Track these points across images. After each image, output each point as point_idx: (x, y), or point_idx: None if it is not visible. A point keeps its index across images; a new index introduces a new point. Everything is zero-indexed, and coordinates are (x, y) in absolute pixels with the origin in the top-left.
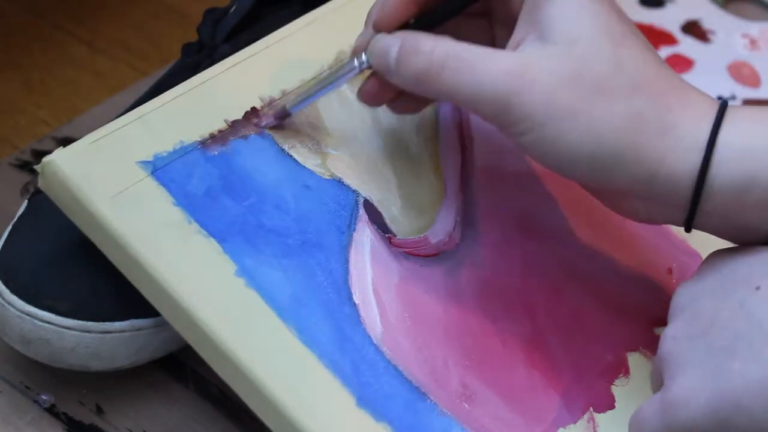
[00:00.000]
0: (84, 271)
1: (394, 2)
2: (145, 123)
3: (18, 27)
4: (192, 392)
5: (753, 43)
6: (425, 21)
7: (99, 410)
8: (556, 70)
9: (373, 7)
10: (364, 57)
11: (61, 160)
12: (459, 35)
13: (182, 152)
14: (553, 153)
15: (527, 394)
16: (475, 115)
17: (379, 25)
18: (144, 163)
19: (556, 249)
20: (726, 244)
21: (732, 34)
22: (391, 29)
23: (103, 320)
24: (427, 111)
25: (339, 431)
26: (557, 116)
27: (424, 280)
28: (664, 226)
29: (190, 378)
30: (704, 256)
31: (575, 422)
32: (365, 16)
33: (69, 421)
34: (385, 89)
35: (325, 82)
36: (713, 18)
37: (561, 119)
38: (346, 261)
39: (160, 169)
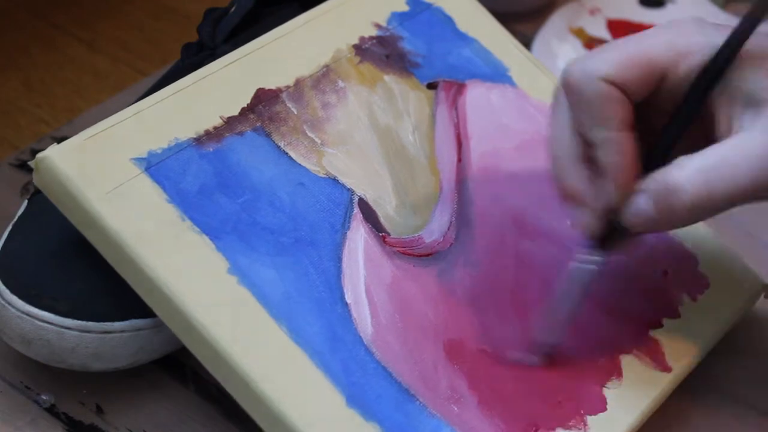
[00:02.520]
0: (84, 271)
1: (625, 172)
2: (139, 120)
3: (18, 27)
4: (192, 392)
5: None
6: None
7: (99, 410)
8: None
9: (580, 213)
10: (591, 257)
11: (55, 157)
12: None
13: (177, 149)
14: None
15: (518, 396)
16: (471, 116)
17: (619, 202)
18: (138, 160)
19: (551, 250)
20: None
21: None
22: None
23: (103, 320)
24: (423, 110)
25: (329, 430)
26: None
27: (416, 280)
28: None
29: (190, 378)
30: (701, 259)
31: (566, 425)
32: (362, 16)
33: (69, 421)
34: None
35: (567, 299)
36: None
37: None
38: (340, 260)
39: (154, 165)
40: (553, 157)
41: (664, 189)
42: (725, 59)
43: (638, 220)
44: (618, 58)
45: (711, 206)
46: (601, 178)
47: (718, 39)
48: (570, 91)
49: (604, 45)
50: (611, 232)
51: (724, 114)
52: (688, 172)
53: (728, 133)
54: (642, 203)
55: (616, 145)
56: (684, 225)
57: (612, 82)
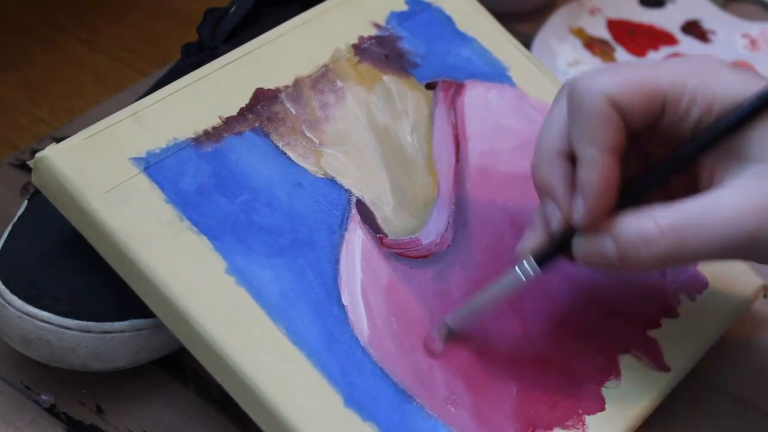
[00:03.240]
0: (84, 271)
1: (599, 202)
2: (138, 120)
3: (18, 27)
4: (192, 392)
5: (753, 43)
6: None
7: (99, 410)
8: None
9: (550, 208)
10: (527, 264)
11: (54, 156)
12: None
13: (175, 149)
14: None
15: (515, 396)
16: (470, 116)
17: (588, 224)
18: (136, 160)
19: None
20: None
21: (732, 34)
22: (600, 223)
23: (103, 320)
24: (422, 110)
25: (326, 430)
26: None
27: (413, 282)
28: None
29: (191, 378)
30: None
31: (564, 425)
32: (361, 16)
33: (69, 422)
34: None
35: (488, 298)
36: (713, 18)
37: None
38: (337, 261)
39: (152, 165)
40: (537, 146)
41: (636, 237)
42: (731, 127)
43: (596, 259)
44: (625, 80)
45: (676, 262)
46: (576, 193)
47: (731, 90)
48: (571, 99)
49: (617, 63)
50: (556, 249)
51: (708, 163)
52: (663, 227)
53: (709, 183)
54: (607, 246)
55: (600, 167)
56: (641, 271)
57: (613, 103)
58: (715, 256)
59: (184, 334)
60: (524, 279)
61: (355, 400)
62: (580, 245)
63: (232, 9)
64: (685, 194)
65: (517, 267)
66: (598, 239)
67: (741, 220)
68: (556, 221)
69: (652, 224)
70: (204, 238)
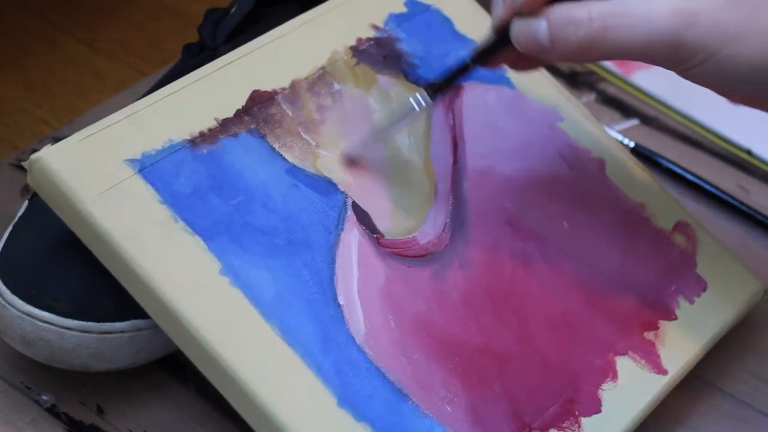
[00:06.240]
0: (84, 272)
1: None
2: (134, 121)
3: (18, 27)
4: (193, 393)
5: None
6: None
7: (100, 410)
8: None
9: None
10: (420, 97)
11: (49, 157)
12: None
13: (171, 150)
14: (734, 74)
15: (512, 397)
16: (468, 118)
17: (523, 7)
18: (132, 161)
19: (546, 252)
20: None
21: None
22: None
23: (104, 321)
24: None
25: (319, 430)
26: (729, 38)
27: (410, 281)
28: (658, 229)
29: (191, 379)
30: (699, 261)
31: (560, 426)
32: (360, 17)
33: (69, 422)
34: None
35: (387, 126)
36: None
37: (733, 40)
38: (333, 261)
39: (147, 167)
40: None
41: (566, 20)
42: None
43: (530, 41)
44: None
45: (601, 53)
46: None
47: None
48: None
49: None
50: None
51: None
52: (593, 14)
53: None
54: (541, 28)
55: None
56: (568, 60)
57: None
58: (637, 53)
59: (178, 334)
60: (418, 109)
61: (348, 400)
62: (517, 26)
63: (233, 9)
64: None
65: (411, 98)
66: (534, 21)
67: (667, 20)
68: (498, 11)
69: (584, 11)
70: (199, 239)
